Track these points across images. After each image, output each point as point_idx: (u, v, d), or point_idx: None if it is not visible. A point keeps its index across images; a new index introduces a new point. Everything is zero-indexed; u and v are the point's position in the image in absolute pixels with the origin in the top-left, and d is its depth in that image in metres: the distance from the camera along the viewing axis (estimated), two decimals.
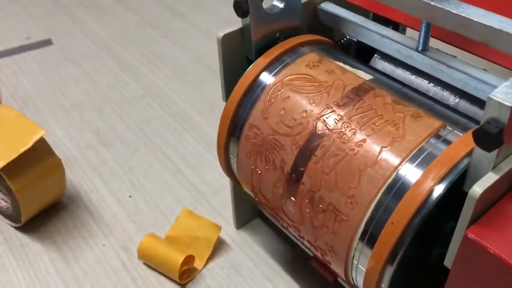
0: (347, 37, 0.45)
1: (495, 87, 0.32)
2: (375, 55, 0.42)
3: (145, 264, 0.49)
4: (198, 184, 0.57)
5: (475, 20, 0.28)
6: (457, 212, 0.26)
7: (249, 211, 0.52)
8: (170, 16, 0.90)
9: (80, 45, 0.83)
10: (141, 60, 0.79)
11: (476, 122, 0.33)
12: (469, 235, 0.25)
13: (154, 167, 0.60)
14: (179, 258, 0.46)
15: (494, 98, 0.23)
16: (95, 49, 0.82)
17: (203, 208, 0.54)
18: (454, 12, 0.29)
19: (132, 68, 0.77)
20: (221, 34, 0.38)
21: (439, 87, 0.39)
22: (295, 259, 0.49)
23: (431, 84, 0.39)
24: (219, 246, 0.50)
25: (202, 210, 0.54)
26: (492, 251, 0.24)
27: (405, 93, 0.34)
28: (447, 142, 0.30)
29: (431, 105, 0.33)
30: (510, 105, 0.23)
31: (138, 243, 0.48)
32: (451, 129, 0.31)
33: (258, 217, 0.53)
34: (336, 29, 0.42)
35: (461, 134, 0.30)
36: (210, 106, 0.68)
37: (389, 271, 0.29)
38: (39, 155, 0.48)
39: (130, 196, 0.56)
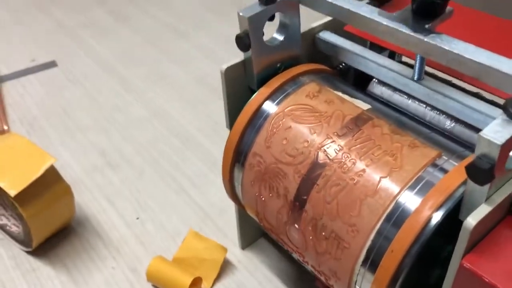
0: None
1: (487, 115, 0.33)
2: (374, 79, 0.44)
3: (154, 286, 0.50)
4: (204, 204, 0.59)
5: (466, 56, 0.29)
6: (454, 237, 0.27)
7: (254, 231, 0.53)
8: (173, 36, 0.91)
9: (84, 66, 0.84)
10: (145, 80, 0.80)
11: (471, 149, 0.34)
12: (464, 264, 0.26)
13: (160, 188, 0.61)
14: (187, 281, 0.47)
15: (485, 136, 0.25)
16: (98, 70, 0.83)
17: (209, 228, 0.56)
18: (446, 48, 0.30)
19: (136, 89, 0.78)
20: (224, 67, 0.39)
21: (436, 112, 0.40)
22: (300, 279, 0.50)
23: (428, 108, 0.41)
24: (225, 267, 0.51)
25: (207, 231, 0.55)
26: (487, 280, 0.26)
27: (402, 122, 0.36)
28: (443, 171, 0.31)
29: (428, 134, 0.35)
30: (499, 143, 0.24)
31: (147, 264, 0.50)
32: (446, 158, 0.32)
33: (263, 237, 0.55)
34: (334, 57, 0.43)
35: (457, 163, 0.32)
36: (214, 126, 0.70)
37: None
38: (49, 182, 0.50)
39: (137, 218, 0.57)
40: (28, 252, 0.54)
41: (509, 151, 0.26)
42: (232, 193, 0.42)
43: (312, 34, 0.43)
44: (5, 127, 0.70)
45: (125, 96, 0.77)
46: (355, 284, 0.33)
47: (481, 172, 0.25)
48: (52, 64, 0.85)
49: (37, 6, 1.02)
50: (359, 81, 0.45)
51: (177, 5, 1.00)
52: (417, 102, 0.41)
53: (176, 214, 0.58)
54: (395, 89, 0.42)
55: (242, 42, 0.37)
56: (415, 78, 0.37)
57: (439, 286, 0.30)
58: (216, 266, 0.50)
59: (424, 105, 0.41)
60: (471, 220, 0.26)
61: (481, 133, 0.25)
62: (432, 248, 0.31)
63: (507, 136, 0.24)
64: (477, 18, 0.42)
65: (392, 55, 0.45)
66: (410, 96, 0.41)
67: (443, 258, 0.32)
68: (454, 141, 0.35)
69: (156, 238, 0.55)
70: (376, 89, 0.44)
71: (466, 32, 0.35)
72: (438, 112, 0.40)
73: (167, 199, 0.60)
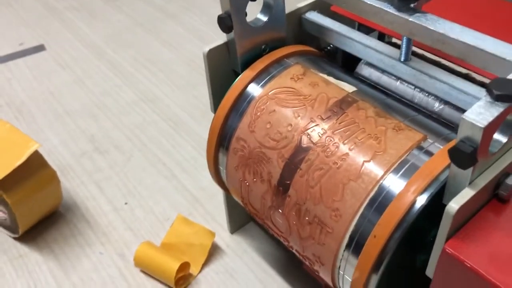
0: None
1: (475, 97, 0.33)
2: (362, 60, 0.43)
3: (142, 271, 0.50)
4: (193, 189, 0.58)
5: (451, 36, 0.28)
6: (440, 221, 0.27)
7: (242, 216, 0.53)
8: (162, 18, 0.90)
9: (73, 50, 0.83)
10: (134, 64, 0.79)
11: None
12: (447, 249, 0.26)
13: (149, 173, 0.60)
14: (174, 266, 0.47)
15: (467, 119, 0.24)
16: (87, 53, 0.82)
17: (198, 213, 0.55)
18: (431, 28, 0.29)
19: (125, 73, 0.77)
20: (206, 49, 0.38)
21: (424, 93, 0.39)
22: (288, 262, 0.50)
23: (417, 90, 0.40)
24: (213, 252, 0.51)
25: (197, 215, 0.55)
26: (469, 265, 0.25)
27: (388, 105, 0.35)
28: (428, 154, 0.31)
29: (414, 116, 0.34)
30: (482, 126, 0.23)
31: (135, 250, 0.49)
32: (432, 141, 0.31)
33: (252, 221, 0.54)
34: (321, 38, 0.42)
35: (442, 146, 0.31)
36: (204, 110, 0.69)
37: (374, 281, 0.30)
38: (34, 168, 0.49)
39: (126, 203, 0.57)
40: (15, 238, 0.53)
41: (493, 134, 0.25)
42: (218, 178, 0.42)
43: (298, 15, 0.42)
44: None
45: (114, 80, 0.76)
46: (339, 269, 0.32)
47: (464, 156, 0.24)
48: (40, 48, 0.84)
49: None
50: (347, 63, 0.45)
51: None
52: (405, 84, 0.40)
53: (165, 199, 0.57)
54: (383, 71, 0.41)
55: (224, 23, 0.36)
56: (402, 59, 0.36)
57: (425, 270, 0.30)
58: (204, 251, 0.50)
59: (413, 87, 0.40)
60: (454, 205, 0.25)
61: (463, 116, 0.24)
62: (417, 232, 0.30)
63: (490, 119, 0.23)
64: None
65: (382, 37, 0.44)
66: (398, 78, 0.40)
67: (429, 241, 0.32)
68: (441, 123, 0.34)
69: (144, 223, 0.55)
70: (365, 70, 0.43)
71: (461, 13, 0.34)
72: (426, 94, 0.39)
73: (156, 184, 0.59)
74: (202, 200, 0.57)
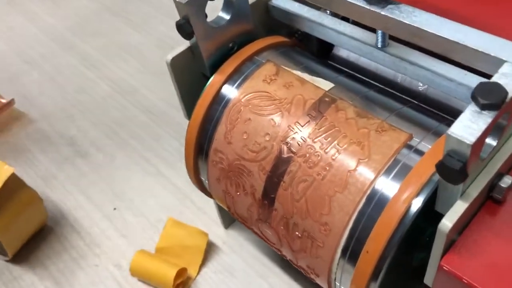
0: None
1: (459, 83, 0.30)
2: None
3: (140, 281, 0.49)
4: (181, 184, 0.56)
5: (428, 30, 0.26)
6: (435, 218, 0.25)
7: None
8: None
9: (39, 44, 0.79)
10: (105, 53, 0.75)
11: (447, 120, 0.31)
12: (443, 266, 0.25)
13: (134, 172, 0.59)
14: (171, 273, 0.46)
15: (453, 135, 0.22)
16: (55, 47, 0.78)
17: (190, 211, 0.54)
18: (406, 22, 0.26)
19: (97, 64, 0.74)
20: (169, 57, 0.36)
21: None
22: None
23: None
24: (210, 250, 0.50)
25: (188, 213, 0.54)
26: (466, 281, 0.24)
27: (370, 99, 0.33)
28: (416, 154, 0.29)
29: (399, 110, 0.32)
30: (470, 143, 0.21)
31: (131, 258, 0.48)
32: (419, 139, 0.29)
33: None
34: (291, 25, 0.39)
35: (431, 144, 0.29)
36: None
37: None
38: (13, 192, 0.47)
39: (114, 209, 0.55)
40: (7, 261, 0.52)
41: (482, 145, 0.23)
42: (201, 187, 0.40)
43: (264, 3, 0.39)
44: None
45: (86, 74, 0.73)
46: (335, 281, 0.31)
47: (453, 172, 0.22)
48: (2, 46, 0.80)
49: None
50: (323, 46, 0.42)
51: None
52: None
53: (154, 199, 0.56)
54: None
55: (183, 30, 0.33)
56: (379, 45, 0.33)
57: (424, 267, 0.28)
58: (200, 252, 0.49)
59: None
60: (447, 222, 0.24)
61: (449, 132, 0.22)
62: (412, 237, 0.29)
63: (478, 134, 0.21)
64: None
65: None
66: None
67: (426, 241, 0.30)
68: (428, 113, 0.32)
69: (136, 228, 0.53)
70: (342, 52, 0.41)
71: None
72: None
73: (143, 184, 0.57)
74: (192, 197, 0.55)
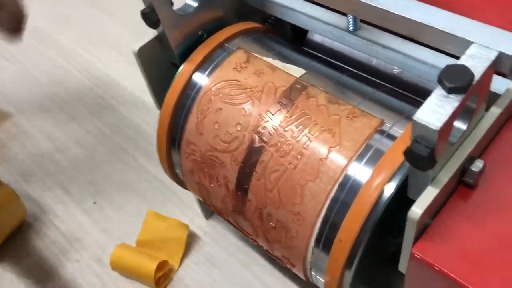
0: None
1: (432, 66, 0.30)
2: None
3: (122, 274, 0.48)
4: (162, 177, 0.55)
5: (396, 13, 0.25)
6: (410, 204, 0.25)
7: None
8: None
9: None
10: (82, 44, 0.74)
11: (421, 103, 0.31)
12: (415, 254, 0.24)
13: (115, 166, 0.58)
14: (152, 267, 0.45)
15: (419, 121, 0.21)
16: (31, 39, 0.76)
17: (172, 203, 0.53)
18: (373, 5, 0.26)
19: (74, 56, 0.72)
20: (136, 48, 0.35)
21: None
22: None
23: None
24: (192, 242, 0.49)
25: (170, 206, 0.53)
26: (438, 268, 0.23)
27: (343, 85, 0.32)
28: (389, 139, 0.28)
29: (372, 94, 0.31)
30: (436, 128, 0.21)
31: (111, 253, 0.48)
32: (390, 125, 0.29)
33: None
34: (262, 10, 0.38)
35: (403, 129, 0.28)
36: None
37: (347, 280, 0.29)
38: None
39: (94, 203, 0.55)
40: None
41: (450, 130, 0.22)
42: (176, 179, 0.39)
43: None
44: None
45: (63, 66, 0.71)
46: (310, 270, 0.31)
47: (421, 159, 0.22)
48: None
49: None
50: (297, 31, 0.41)
51: None
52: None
53: (134, 192, 0.55)
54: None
55: (149, 18, 0.32)
56: (350, 29, 0.33)
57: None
58: (181, 244, 0.48)
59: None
60: (417, 210, 0.23)
61: (414, 117, 0.21)
62: (385, 223, 0.28)
63: (445, 118, 0.21)
64: None
65: None
66: None
67: (400, 226, 0.30)
68: (402, 97, 0.32)
69: (117, 221, 0.53)
70: (316, 36, 0.40)
71: None
72: None
73: (123, 177, 0.56)
74: (173, 188, 0.54)
